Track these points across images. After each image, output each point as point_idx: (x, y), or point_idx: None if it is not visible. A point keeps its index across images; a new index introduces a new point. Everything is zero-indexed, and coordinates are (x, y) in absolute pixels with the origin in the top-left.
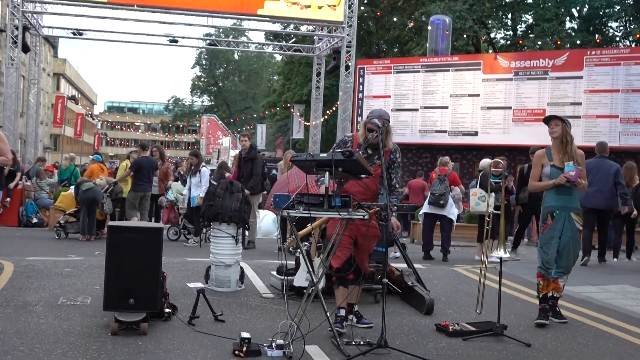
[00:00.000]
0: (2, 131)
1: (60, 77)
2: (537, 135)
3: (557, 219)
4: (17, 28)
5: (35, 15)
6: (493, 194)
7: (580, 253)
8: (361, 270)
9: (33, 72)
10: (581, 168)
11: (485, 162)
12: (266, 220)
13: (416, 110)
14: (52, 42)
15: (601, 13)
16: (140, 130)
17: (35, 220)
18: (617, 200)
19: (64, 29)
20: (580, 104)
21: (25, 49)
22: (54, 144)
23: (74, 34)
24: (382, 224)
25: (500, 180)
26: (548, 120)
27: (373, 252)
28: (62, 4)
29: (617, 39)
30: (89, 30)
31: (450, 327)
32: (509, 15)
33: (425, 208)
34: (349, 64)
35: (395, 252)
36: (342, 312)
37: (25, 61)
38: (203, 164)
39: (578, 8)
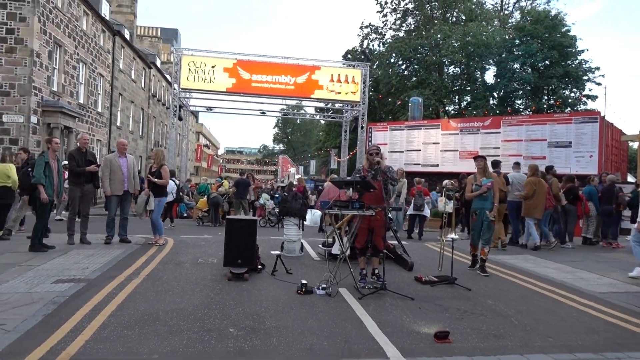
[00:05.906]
0: (166, 165)
1: (199, 134)
2: (473, 167)
3: (479, 215)
4: (176, 106)
5: (185, 99)
6: (450, 201)
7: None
8: (378, 248)
9: (184, 131)
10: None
11: (446, 182)
12: (316, 215)
13: (402, 152)
14: (195, 114)
15: (511, 95)
16: (244, 163)
17: (185, 215)
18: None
19: (201, 106)
20: (499, 148)
21: (180, 118)
22: (196, 171)
23: (207, 109)
24: (388, 218)
25: (453, 193)
26: (475, 157)
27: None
28: (200, 92)
29: (521, 110)
30: (216, 107)
31: (423, 278)
32: (456, 97)
33: (411, 210)
34: (363, 125)
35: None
36: (364, 272)
37: (180, 125)
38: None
39: (497, 92)
